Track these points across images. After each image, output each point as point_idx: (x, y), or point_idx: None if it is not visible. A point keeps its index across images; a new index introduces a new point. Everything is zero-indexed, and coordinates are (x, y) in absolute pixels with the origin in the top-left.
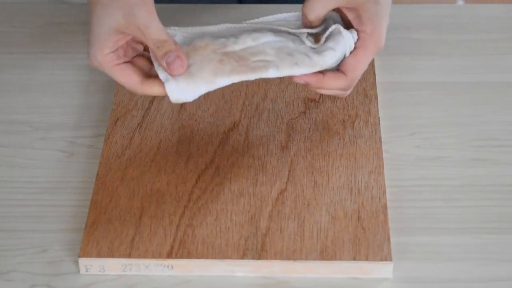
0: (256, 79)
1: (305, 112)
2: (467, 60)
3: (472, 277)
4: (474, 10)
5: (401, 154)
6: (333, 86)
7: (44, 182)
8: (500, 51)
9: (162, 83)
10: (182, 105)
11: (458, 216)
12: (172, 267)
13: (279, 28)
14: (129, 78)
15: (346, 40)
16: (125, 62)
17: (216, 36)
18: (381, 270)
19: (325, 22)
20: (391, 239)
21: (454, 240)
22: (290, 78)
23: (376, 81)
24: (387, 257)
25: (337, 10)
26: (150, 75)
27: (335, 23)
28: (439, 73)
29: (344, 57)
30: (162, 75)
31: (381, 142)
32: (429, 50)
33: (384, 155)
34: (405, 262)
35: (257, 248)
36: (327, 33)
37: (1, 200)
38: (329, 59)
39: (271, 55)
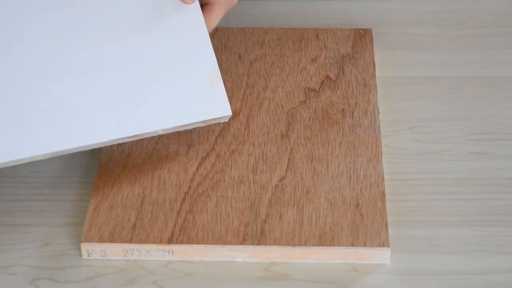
0: (257, 69)
1: (305, 102)
2: (466, 54)
3: (471, 270)
4: (472, 5)
5: (400, 148)
6: None
7: (46, 176)
8: (499, 45)
9: None
10: None
11: (457, 209)
12: (172, 252)
13: None
14: None
15: None
16: None
17: None
18: (379, 256)
19: None
20: (390, 232)
21: (453, 233)
22: None
23: (376, 75)
24: (384, 243)
25: None
26: None
27: None
28: (438, 67)
29: None
30: None
31: (379, 131)
32: (428, 45)
33: (384, 149)
34: (404, 255)
35: (256, 234)
36: None
37: (4, 195)
38: None
39: None
